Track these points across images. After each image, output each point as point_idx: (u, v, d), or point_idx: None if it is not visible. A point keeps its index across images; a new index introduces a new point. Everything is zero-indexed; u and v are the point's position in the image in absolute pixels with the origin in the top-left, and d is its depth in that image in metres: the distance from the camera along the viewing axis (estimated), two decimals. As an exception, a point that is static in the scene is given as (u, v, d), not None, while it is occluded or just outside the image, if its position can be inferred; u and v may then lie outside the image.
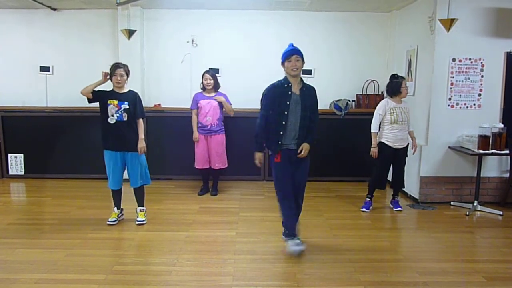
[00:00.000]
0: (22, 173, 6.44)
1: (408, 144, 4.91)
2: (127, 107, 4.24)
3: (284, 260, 3.63)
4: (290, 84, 3.65)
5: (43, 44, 6.48)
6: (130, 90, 4.37)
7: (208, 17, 6.41)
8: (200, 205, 5.14)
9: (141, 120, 4.35)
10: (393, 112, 4.72)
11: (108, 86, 4.33)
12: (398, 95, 4.75)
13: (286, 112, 3.59)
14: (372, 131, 4.81)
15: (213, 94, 5.46)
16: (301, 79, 3.73)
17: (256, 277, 3.28)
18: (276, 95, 3.63)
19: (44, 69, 6.44)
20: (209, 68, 5.86)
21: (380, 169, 4.90)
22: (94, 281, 3.15)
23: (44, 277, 3.22)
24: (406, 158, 4.95)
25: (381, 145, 4.81)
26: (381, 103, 4.82)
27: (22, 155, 6.42)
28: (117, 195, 4.46)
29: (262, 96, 3.71)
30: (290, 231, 3.78)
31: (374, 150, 4.79)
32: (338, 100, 6.33)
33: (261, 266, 3.48)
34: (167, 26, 6.44)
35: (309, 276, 3.29)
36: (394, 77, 4.83)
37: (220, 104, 5.47)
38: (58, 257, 3.56)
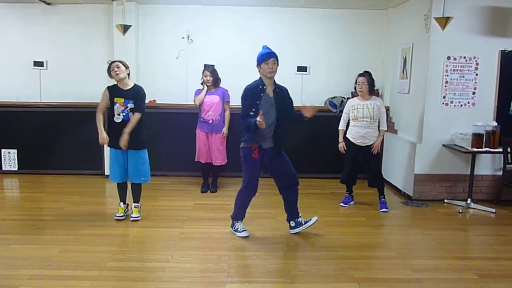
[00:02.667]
0: (16, 168, 6.40)
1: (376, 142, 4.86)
2: (133, 106, 4.22)
3: (279, 257, 3.64)
4: (264, 87, 3.78)
5: (37, 39, 6.44)
6: (135, 84, 4.35)
7: (204, 13, 6.39)
8: (195, 202, 5.14)
9: (136, 114, 4.21)
10: (354, 109, 4.81)
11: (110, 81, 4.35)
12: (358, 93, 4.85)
13: (252, 113, 3.73)
14: (339, 128, 4.99)
15: (213, 90, 5.45)
16: (274, 81, 3.85)
17: (251, 274, 3.29)
18: (250, 96, 3.78)
19: (38, 64, 6.40)
20: (205, 65, 5.85)
21: (345, 164, 5.01)
22: (88, 277, 3.14)
23: (37, 273, 3.20)
24: (377, 156, 4.93)
25: (346, 141, 4.92)
26: (348, 101, 5.02)
27: (15, 150, 6.38)
28: (121, 189, 4.48)
29: (242, 97, 3.83)
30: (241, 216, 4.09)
31: (340, 146, 4.92)
32: (333, 97, 6.34)
33: (256, 263, 3.49)
34: (162, 22, 6.41)
35: (303, 273, 3.30)
36: (358, 74, 4.90)
37: (222, 100, 5.48)
38: (52, 253, 3.55)
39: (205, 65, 5.76)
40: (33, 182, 6.00)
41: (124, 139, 4.15)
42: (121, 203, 4.50)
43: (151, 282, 3.11)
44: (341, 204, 5.08)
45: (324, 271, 3.34)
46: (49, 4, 6.30)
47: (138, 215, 4.44)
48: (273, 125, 3.82)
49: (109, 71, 4.23)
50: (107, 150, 6.13)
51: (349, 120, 4.94)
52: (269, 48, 3.79)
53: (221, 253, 3.66)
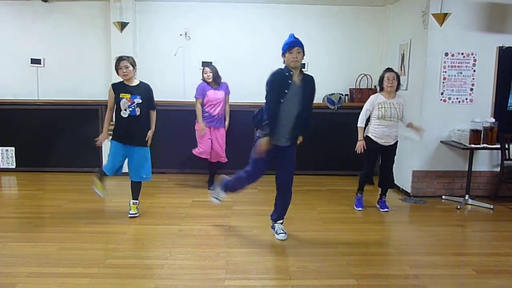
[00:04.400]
0: (14, 166, 6.38)
1: (397, 142, 4.71)
2: (140, 101, 4.24)
3: (277, 254, 3.65)
4: (291, 72, 3.63)
5: (34, 36, 6.40)
6: (140, 82, 4.35)
7: (202, 10, 6.37)
8: (193, 199, 5.14)
9: (154, 112, 4.43)
10: (381, 107, 4.54)
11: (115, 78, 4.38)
12: (384, 89, 4.59)
13: (282, 100, 3.59)
14: (358, 125, 4.64)
15: (216, 86, 5.45)
16: (301, 70, 3.73)
17: (249, 271, 3.30)
18: (278, 81, 3.60)
19: (35, 61, 6.37)
20: (202, 62, 5.83)
21: (367, 165, 4.77)
22: (87, 274, 3.15)
23: (36, 270, 3.20)
24: (395, 157, 4.76)
25: (367, 139, 4.64)
26: (371, 97, 4.67)
27: (13, 148, 6.36)
28: (105, 179, 4.44)
29: (268, 82, 3.64)
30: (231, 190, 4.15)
31: (359, 144, 4.60)
32: (331, 94, 6.34)
33: (254, 260, 3.50)
34: (160, 19, 6.39)
35: (301, 269, 3.31)
36: (385, 70, 4.67)
37: (225, 96, 5.50)
38: (50, 251, 3.55)
39: (203, 62, 5.75)
40: (31, 180, 5.99)
41: (150, 135, 4.39)
42: (101, 182, 4.45)
43: (149, 279, 3.12)
44: (359, 208, 4.82)
45: (322, 267, 3.35)
46: (46, 1, 6.27)
47: (136, 211, 4.44)
48: (293, 119, 3.68)
49: (117, 68, 4.23)
50: (105, 146, 6.13)
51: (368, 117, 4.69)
52: (294, 37, 3.67)
53: (219, 250, 3.67)
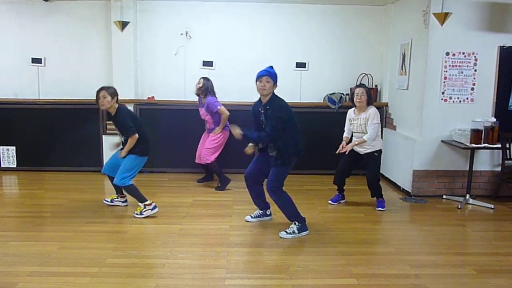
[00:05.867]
0: (14, 165, 6.39)
1: (377, 151, 4.76)
2: (118, 131, 4.48)
3: (277, 253, 3.65)
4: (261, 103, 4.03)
5: (35, 35, 6.40)
6: (118, 106, 4.42)
7: (202, 9, 6.36)
8: (194, 198, 5.14)
9: (130, 139, 4.33)
10: (352, 124, 4.86)
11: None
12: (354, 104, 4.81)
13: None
14: (343, 135, 4.97)
15: (204, 101, 5.54)
16: (271, 97, 3.97)
17: (249, 270, 3.30)
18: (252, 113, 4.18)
19: (36, 61, 6.37)
20: (203, 61, 5.82)
21: (338, 165, 4.97)
22: (87, 273, 3.15)
23: (36, 269, 3.21)
24: (377, 164, 4.84)
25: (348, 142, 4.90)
26: (348, 112, 4.98)
27: (14, 147, 6.37)
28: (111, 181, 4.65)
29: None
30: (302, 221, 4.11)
31: (341, 145, 4.80)
32: (332, 93, 6.34)
33: (254, 259, 3.50)
34: (160, 18, 6.39)
35: (302, 269, 3.31)
36: (355, 86, 4.95)
37: (207, 113, 5.54)
38: (51, 250, 3.55)
39: (204, 61, 5.73)
40: (31, 179, 5.99)
41: (122, 156, 4.43)
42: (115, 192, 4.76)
43: (150, 278, 3.12)
44: (330, 201, 5.04)
45: (323, 267, 3.35)
46: (47, 0, 6.27)
47: (139, 213, 4.42)
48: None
49: (96, 100, 4.35)
50: (105, 145, 6.15)
51: None
52: (271, 68, 4.00)
53: (220, 249, 3.67)
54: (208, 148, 5.50)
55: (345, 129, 5.00)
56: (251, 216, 4.39)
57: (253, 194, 4.31)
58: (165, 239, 3.86)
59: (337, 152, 4.82)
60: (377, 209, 4.84)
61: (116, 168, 4.46)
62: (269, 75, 3.90)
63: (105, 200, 4.82)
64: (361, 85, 4.94)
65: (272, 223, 4.32)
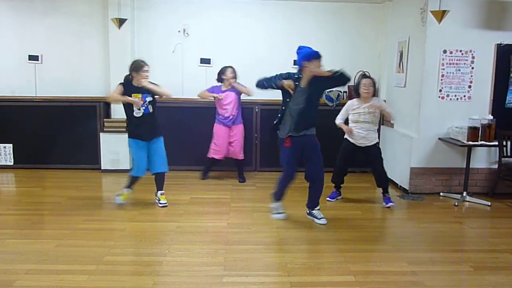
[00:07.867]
0: (11, 163, 6.37)
1: (378, 142, 4.82)
2: (151, 99, 4.43)
3: (275, 250, 3.66)
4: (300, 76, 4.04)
5: (32, 32, 6.37)
6: None
7: (200, 7, 6.34)
8: (191, 196, 5.14)
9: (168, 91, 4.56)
10: (355, 113, 4.76)
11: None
12: (360, 96, 4.75)
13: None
14: (336, 122, 4.82)
15: (229, 87, 5.56)
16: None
17: (247, 267, 3.30)
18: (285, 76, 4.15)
19: (33, 58, 6.35)
20: (201, 58, 5.80)
21: (338, 162, 4.93)
22: (85, 271, 3.15)
23: (34, 267, 3.20)
24: (381, 156, 4.84)
25: (344, 140, 4.87)
26: (348, 102, 4.91)
27: (11, 145, 6.35)
28: (137, 181, 4.64)
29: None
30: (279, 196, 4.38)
31: (346, 128, 4.76)
32: (330, 91, 6.32)
33: (252, 257, 3.50)
34: (158, 15, 6.37)
35: (299, 266, 3.32)
36: (361, 76, 4.91)
37: (238, 96, 5.58)
38: (48, 248, 3.55)
39: (201, 59, 5.71)
40: (29, 177, 5.98)
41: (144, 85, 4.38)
42: (129, 189, 4.67)
43: (148, 276, 3.12)
44: (328, 198, 5.02)
45: (321, 264, 3.36)
46: (44, -3, 6.25)
47: (166, 201, 4.62)
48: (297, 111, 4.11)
49: (138, 69, 4.33)
50: (103, 143, 6.13)
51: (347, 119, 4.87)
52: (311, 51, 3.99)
53: (217, 247, 3.67)
54: (242, 141, 5.62)
55: (340, 117, 4.86)
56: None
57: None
58: (163, 237, 3.86)
59: (346, 136, 4.85)
60: (387, 205, 4.81)
61: (150, 162, 4.54)
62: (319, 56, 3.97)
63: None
64: (368, 76, 4.89)
65: (270, 220, 4.32)
